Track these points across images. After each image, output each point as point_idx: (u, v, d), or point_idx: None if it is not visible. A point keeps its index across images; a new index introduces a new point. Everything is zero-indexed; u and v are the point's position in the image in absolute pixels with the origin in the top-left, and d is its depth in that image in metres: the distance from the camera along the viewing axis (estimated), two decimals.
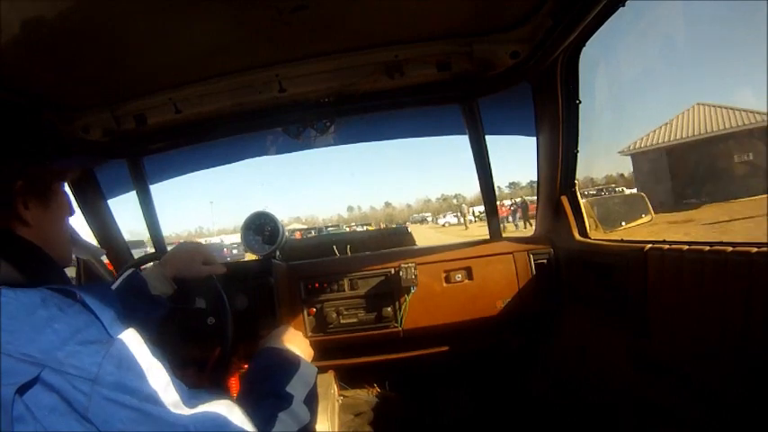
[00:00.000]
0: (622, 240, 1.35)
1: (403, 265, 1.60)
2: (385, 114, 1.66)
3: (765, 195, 10.73)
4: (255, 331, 1.30)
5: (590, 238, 1.52)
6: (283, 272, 1.63)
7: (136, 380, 0.48)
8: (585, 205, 1.57)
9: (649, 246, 1.11)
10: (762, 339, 0.80)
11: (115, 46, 1.00)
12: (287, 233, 1.68)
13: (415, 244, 2.17)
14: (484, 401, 1.78)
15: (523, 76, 1.36)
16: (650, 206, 1.63)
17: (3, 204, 0.56)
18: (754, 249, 0.82)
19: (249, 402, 0.62)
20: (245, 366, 1.34)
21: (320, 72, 1.31)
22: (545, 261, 1.63)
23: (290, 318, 1.62)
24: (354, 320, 1.63)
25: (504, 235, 1.77)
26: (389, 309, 1.61)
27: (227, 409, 0.55)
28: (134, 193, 1.72)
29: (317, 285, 1.65)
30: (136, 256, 1.43)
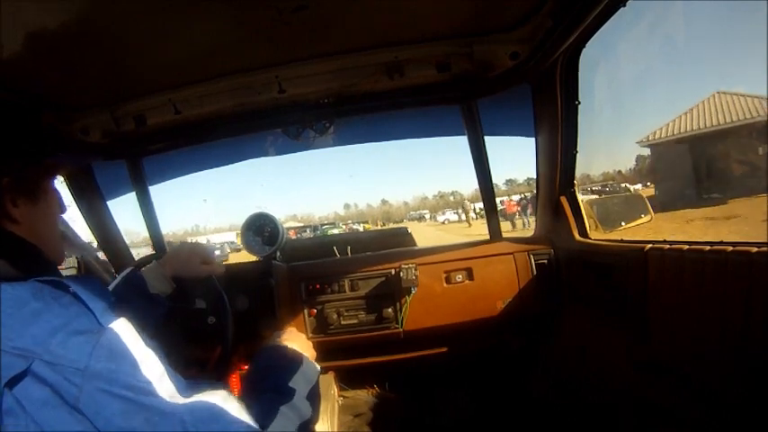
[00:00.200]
0: (622, 240, 1.35)
1: (403, 266, 1.59)
2: (384, 115, 1.66)
3: None
4: (256, 332, 1.30)
5: (590, 239, 1.52)
6: (284, 273, 1.63)
7: (128, 370, 0.47)
8: (585, 205, 1.57)
9: (649, 246, 1.11)
10: (762, 339, 0.80)
11: (115, 47, 1.00)
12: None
13: (415, 245, 2.17)
14: (484, 402, 1.78)
15: (523, 76, 1.36)
16: (650, 206, 1.63)
17: None
18: (755, 249, 0.82)
19: (251, 397, 0.61)
20: (245, 367, 1.34)
21: (320, 73, 1.31)
22: (545, 261, 1.63)
23: (291, 319, 1.62)
24: (355, 321, 1.63)
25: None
26: (390, 309, 1.61)
27: (222, 399, 0.54)
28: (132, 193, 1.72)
29: (317, 286, 1.64)
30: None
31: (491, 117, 1.60)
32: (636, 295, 1.15)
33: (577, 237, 1.54)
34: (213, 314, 1.17)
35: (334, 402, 1.73)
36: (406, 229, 2.66)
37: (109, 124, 1.37)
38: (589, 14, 0.99)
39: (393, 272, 1.63)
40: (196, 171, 1.97)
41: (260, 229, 1.57)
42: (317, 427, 0.71)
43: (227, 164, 1.95)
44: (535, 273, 1.62)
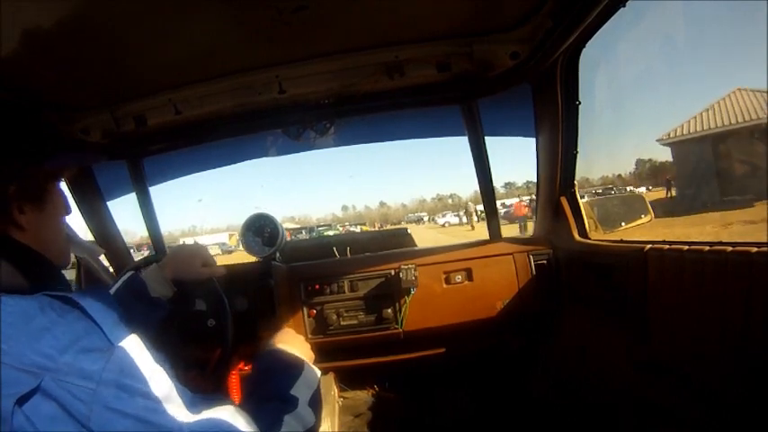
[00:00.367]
0: (622, 241, 1.35)
1: (403, 267, 1.59)
2: (385, 115, 1.66)
3: None
4: (256, 333, 1.30)
5: (590, 239, 1.52)
6: (283, 274, 1.62)
7: (138, 387, 0.47)
8: (585, 206, 1.57)
9: (649, 246, 1.11)
10: (762, 339, 0.80)
11: (115, 46, 1.00)
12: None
13: (415, 245, 2.17)
14: (484, 402, 1.78)
15: (523, 76, 1.36)
16: (649, 206, 1.63)
17: None
18: (754, 249, 0.82)
19: (253, 406, 0.61)
20: (245, 366, 1.34)
21: (320, 73, 1.31)
22: (545, 262, 1.63)
23: (290, 319, 1.62)
24: (355, 322, 1.63)
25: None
26: (389, 310, 1.61)
27: (231, 414, 0.54)
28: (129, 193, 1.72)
29: (317, 287, 1.64)
30: None
31: (491, 117, 1.60)
32: (636, 295, 1.15)
33: (577, 237, 1.54)
34: (213, 316, 1.17)
35: (334, 403, 1.73)
36: (405, 229, 2.66)
37: (109, 124, 1.37)
38: (589, 14, 0.99)
39: (392, 272, 1.63)
40: (196, 171, 1.97)
41: (260, 229, 1.57)
42: (319, 428, 0.71)
43: (228, 164, 1.96)
44: (535, 273, 1.62)
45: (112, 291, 0.92)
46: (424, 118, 1.79)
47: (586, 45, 1.23)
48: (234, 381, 1.31)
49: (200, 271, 1.03)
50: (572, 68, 1.32)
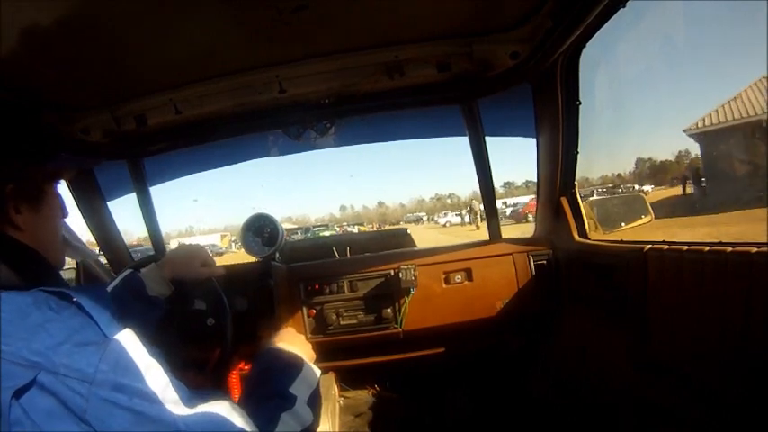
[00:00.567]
0: (622, 241, 1.35)
1: (402, 267, 1.59)
2: (385, 115, 1.66)
3: None
4: (255, 333, 1.30)
5: (590, 239, 1.52)
6: (283, 273, 1.63)
7: (133, 380, 0.48)
8: (585, 206, 1.57)
9: (649, 246, 1.11)
10: (762, 339, 0.80)
11: (115, 46, 1.00)
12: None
13: (414, 245, 2.17)
14: (484, 402, 1.78)
15: (523, 76, 1.36)
16: (649, 207, 1.63)
17: None
18: (754, 249, 0.82)
19: (251, 403, 0.62)
20: (244, 366, 1.34)
21: (320, 72, 1.31)
22: (545, 262, 1.63)
23: (290, 319, 1.62)
24: (354, 322, 1.63)
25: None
26: (389, 310, 1.61)
27: (227, 409, 0.54)
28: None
29: (316, 287, 1.64)
30: None
31: (492, 117, 1.60)
32: (636, 295, 1.15)
33: (577, 237, 1.54)
34: (212, 315, 1.17)
35: (334, 403, 1.73)
36: (405, 229, 2.66)
37: (109, 124, 1.37)
38: (589, 15, 0.99)
39: (392, 272, 1.63)
40: (197, 171, 1.97)
41: (259, 229, 1.57)
42: (318, 427, 0.71)
43: (228, 164, 1.96)
44: (534, 273, 1.62)
45: (110, 288, 0.92)
46: (424, 118, 1.79)
47: (586, 45, 1.23)
48: (233, 380, 1.32)
49: (200, 271, 1.03)
50: (572, 68, 1.32)
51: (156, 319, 0.93)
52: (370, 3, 1.01)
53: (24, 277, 0.53)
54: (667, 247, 1.06)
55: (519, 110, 1.56)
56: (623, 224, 1.57)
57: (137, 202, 1.72)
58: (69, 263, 1.65)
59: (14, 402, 0.42)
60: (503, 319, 1.62)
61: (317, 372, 0.78)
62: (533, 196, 1.79)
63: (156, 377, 0.50)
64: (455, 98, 1.55)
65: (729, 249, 0.87)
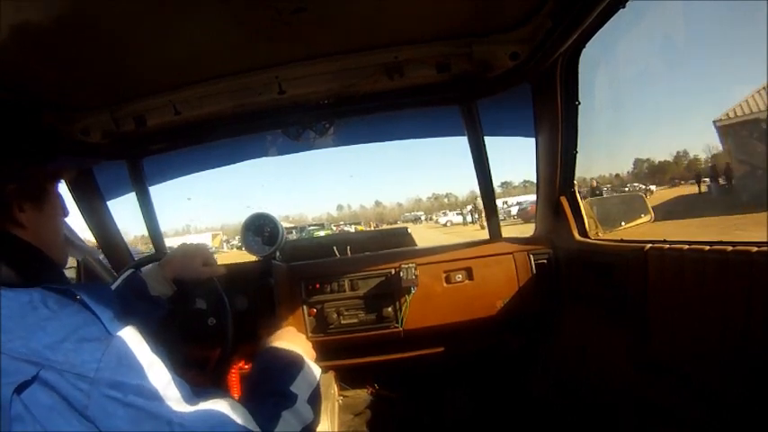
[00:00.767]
0: (622, 240, 1.35)
1: (403, 266, 1.60)
2: (384, 116, 1.66)
3: None
4: (256, 332, 1.30)
5: (590, 238, 1.52)
6: (284, 273, 1.63)
7: (136, 377, 0.48)
8: (585, 205, 1.57)
9: (649, 246, 1.11)
10: (762, 339, 0.80)
11: (115, 47, 1.00)
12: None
13: (415, 244, 2.17)
14: (484, 401, 1.78)
15: (523, 77, 1.36)
16: (649, 206, 1.63)
17: None
18: (755, 249, 0.82)
19: (252, 401, 0.62)
20: (245, 365, 1.34)
21: (320, 73, 1.31)
22: (545, 261, 1.63)
23: (291, 318, 1.62)
24: (355, 321, 1.63)
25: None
26: (390, 309, 1.61)
27: (229, 406, 0.54)
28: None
29: (317, 286, 1.64)
30: None
31: (491, 117, 1.60)
32: (636, 295, 1.15)
33: (577, 236, 1.54)
34: (213, 315, 1.17)
35: (334, 402, 1.73)
36: (405, 229, 2.66)
37: (109, 125, 1.37)
38: (589, 15, 0.99)
39: (393, 271, 1.63)
40: (196, 171, 1.98)
41: (259, 229, 1.57)
42: (318, 426, 0.71)
43: (228, 164, 1.96)
44: (535, 272, 1.62)
45: (113, 288, 0.92)
46: (424, 118, 1.79)
47: (586, 45, 1.23)
48: (234, 379, 1.32)
49: (201, 270, 1.04)
50: (572, 68, 1.32)
51: (158, 318, 0.93)
52: (370, 3, 1.01)
53: (28, 275, 0.54)
54: (668, 246, 1.06)
55: (518, 110, 1.56)
56: (623, 223, 1.57)
57: (136, 202, 1.73)
58: (70, 262, 1.66)
59: (16, 398, 0.43)
60: (503, 319, 1.62)
61: (318, 370, 0.78)
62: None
63: (159, 374, 0.50)
64: (454, 99, 1.55)
65: (730, 249, 0.87)
